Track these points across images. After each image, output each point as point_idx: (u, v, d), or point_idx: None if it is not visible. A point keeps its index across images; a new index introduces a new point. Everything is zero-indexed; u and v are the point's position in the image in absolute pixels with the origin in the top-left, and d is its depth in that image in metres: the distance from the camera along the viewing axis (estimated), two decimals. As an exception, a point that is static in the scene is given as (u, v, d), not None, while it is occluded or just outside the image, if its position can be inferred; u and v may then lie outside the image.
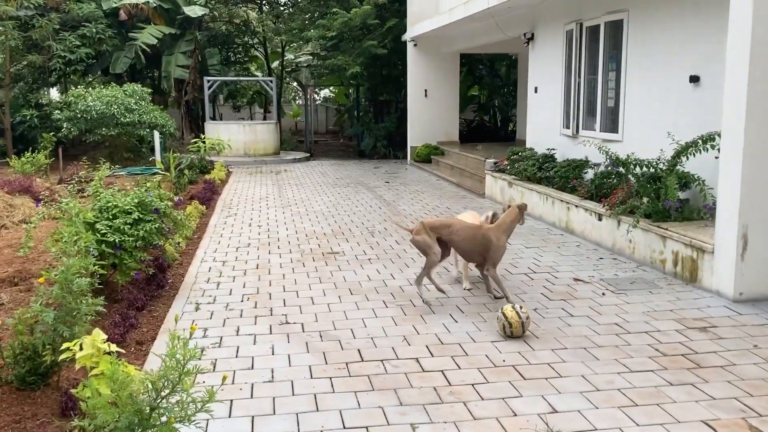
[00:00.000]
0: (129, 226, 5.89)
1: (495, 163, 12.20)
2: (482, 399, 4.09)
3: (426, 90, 18.73)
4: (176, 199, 7.75)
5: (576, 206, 8.85)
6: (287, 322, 5.53)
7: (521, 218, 6.19)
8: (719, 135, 6.33)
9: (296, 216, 10.56)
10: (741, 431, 3.68)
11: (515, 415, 3.88)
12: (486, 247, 5.92)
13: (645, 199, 7.43)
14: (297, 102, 35.67)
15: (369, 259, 7.66)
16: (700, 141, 7.10)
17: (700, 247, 6.35)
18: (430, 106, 18.84)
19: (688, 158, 7.27)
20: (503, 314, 5.09)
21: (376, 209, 11.17)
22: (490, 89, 23.33)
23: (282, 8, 25.46)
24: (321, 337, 5.20)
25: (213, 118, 22.16)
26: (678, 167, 7.39)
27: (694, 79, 7.74)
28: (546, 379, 4.37)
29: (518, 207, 6.18)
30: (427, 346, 4.97)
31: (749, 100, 5.67)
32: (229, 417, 3.89)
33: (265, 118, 28.48)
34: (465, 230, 6.02)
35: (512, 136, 20.92)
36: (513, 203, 6.33)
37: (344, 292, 6.37)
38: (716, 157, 6.41)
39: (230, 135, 19.08)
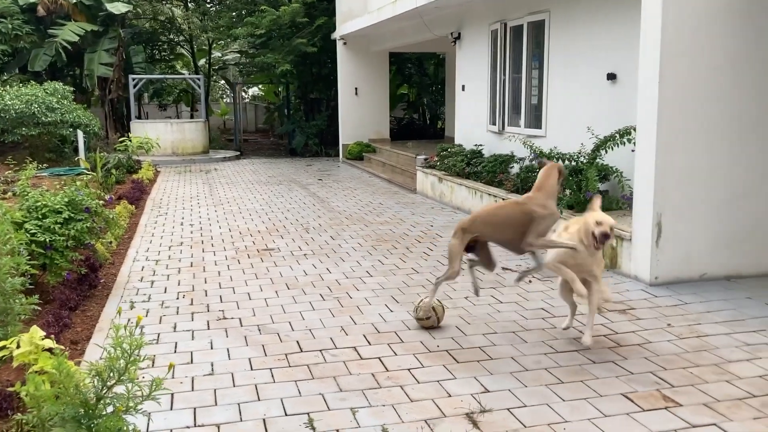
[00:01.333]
0: (59, 226, 5.79)
1: (425, 160, 12.47)
2: (418, 382, 4.26)
3: (356, 88, 18.88)
4: (107, 197, 7.63)
5: (503, 199, 9.18)
6: (225, 318, 5.57)
7: (561, 180, 4.95)
8: (635, 129, 6.72)
9: (229, 214, 10.51)
10: (655, 401, 3.98)
11: (450, 396, 4.07)
12: (530, 222, 4.72)
13: (568, 192, 7.79)
14: (225, 100, 35.20)
15: (305, 255, 7.75)
16: (617, 135, 7.51)
17: (619, 235, 6.73)
18: (360, 104, 19.00)
19: (606, 151, 7.69)
20: (433, 308, 5.22)
21: (310, 206, 11.24)
22: (419, 87, 23.69)
23: (208, 5, 25.08)
24: (259, 330, 5.26)
25: (139, 117, 21.67)
26: (598, 160, 7.80)
27: (612, 77, 8.17)
28: (478, 361, 4.59)
29: (557, 167, 4.90)
30: (364, 335, 5.12)
31: (661, 96, 6.06)
32: (171, 410, 3.93)
33: (192, 117, 28.01)
34: (500, 210, 4.98)
35: (441, 133, 21.32)
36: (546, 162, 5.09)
37: (281, 287, 6.44)
38: (632, 150, 6.80)
39: (158, 134, 18.70)
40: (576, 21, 8.88)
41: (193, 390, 4.20)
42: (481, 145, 11.42)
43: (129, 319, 5.43)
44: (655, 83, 6.06)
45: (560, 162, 4.70)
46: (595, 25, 8.50)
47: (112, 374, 2.66)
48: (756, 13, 6.12)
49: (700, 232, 6.31)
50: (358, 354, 4.75)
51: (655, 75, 6.05)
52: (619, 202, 7.65)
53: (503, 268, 7.04)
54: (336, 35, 18.62)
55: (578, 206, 7.55)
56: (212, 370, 4.50)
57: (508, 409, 3.88)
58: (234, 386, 4.25)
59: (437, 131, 22.38)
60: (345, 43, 18.57)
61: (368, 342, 4.98)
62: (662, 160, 6.16)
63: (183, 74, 26.63)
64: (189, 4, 25.17)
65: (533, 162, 8.81)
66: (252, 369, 4.52)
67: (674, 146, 6.16)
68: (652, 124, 6.14)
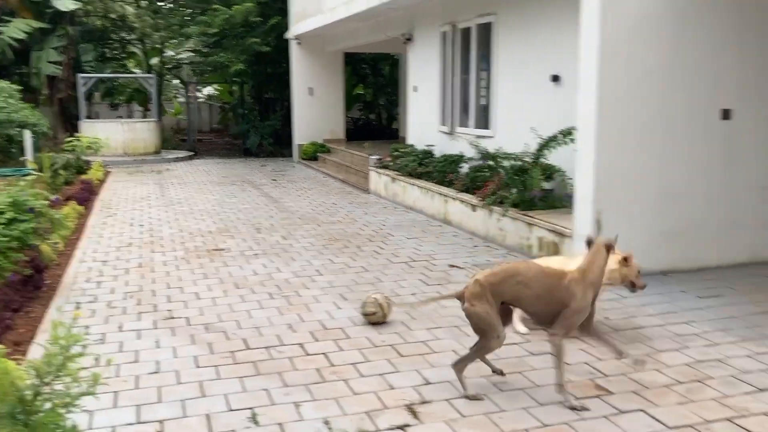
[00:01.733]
0: (2, 226, 5.71)
1: (379, 160, 12.59)
2: (362, 376, 4.36)
3: (311, 88, 18.91)
4: (53, 198, 7.53)
5: (453, 198, 9.35)
6: (172, 317, 5.58)
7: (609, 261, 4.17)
8: (577, 129, 6.94)
9: (180, 215, 10.45)
10: (588, 390, 4.16)
11: (392, 388, 4.18)
12: (565, 303, 4.00)
13: (514, 190, 8.00)
14: (179, 100, 34.73)
15: (255, 255, 7.78)
16: (560, 135, 7.75)
17: (561, 232, 6.95)
18: (315, 105, 19.03)
19: (550, 151, 7.91)
20: (379, 304, 5.32)
21: (262, 206, 11.25)
22: (375, 88, 23.81)
23: (161, 3, 24.75)
24: (206, 329, 5.29)
25: (89, 117, 21.26)
26: (542, 160, 8.02)
27: (555, 79, 8.41)
28: (421, 355, 4.71)
29: (605, 245, 4.10)
30: (311, 333, 5.19)
31: (599, 97, 6.28)
32: (114, 407, 3.95)
33: (145, 117, 27.55)
34: (540, 279, 4.06)
35: (396, 133, 21.49)
36: (599, 221, 4.34)
37: (230, 287, 6.47)
38: (574, 150, 7.03)
39: (108, 134, 18.41)
40: (522, 24, 9.11)
41: (137, 388, 4.22)
42: (432, 145, 11.60)
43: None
44: (593, 85, 6.28)
45: (609, 238, 4.01)
46: (540, 28, 8.73)
47: (49, 370, 2.68)
48: (687, 20, 6.39)
49: (637, 228, 6.55)
50: (304, 350, 4.83)
51: (594, 77, 6.27)
52: (562, 200, 7.88)
53: (450, 265, 7.19)
54: (290, 35, 18.62)
55: (523, 204, 7.75)
56: (157, 368, 4.52)
57: (447, 400, 4.01)
58: (179, 384, 4.28)
59: (393, 132, 22.54)
60: (299, 43, 18.58)
61: (315, 339, 5.06)
62: (601, 160, 6.39)
63: (135, 73, 26.20)
64: (141, 2, 24.79)
65: (481, 162, 9.01)
66: (198, 367, 4.55)
67: (612, 146, 6.39)
68: (592, 124, 6.36)
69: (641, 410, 3.88)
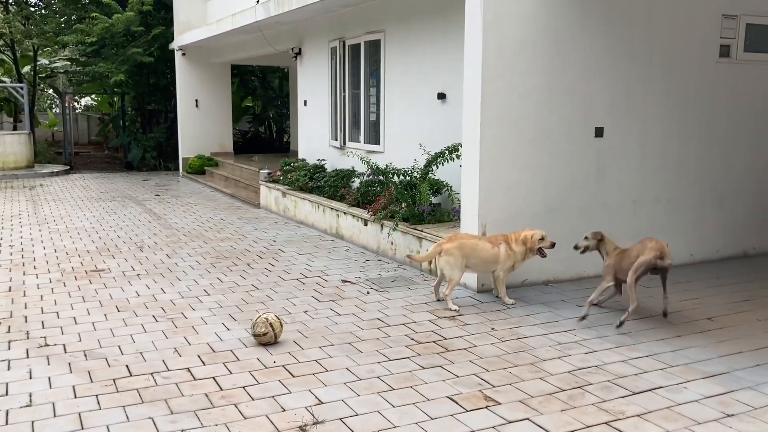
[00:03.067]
0: None
1: (269, 174, 12.42)
2: (253, 399, 4.25)
3: (197, 100, 18.42)
4: None
5: (345, 213, 9.37)
6: (47, 344, 5.22)
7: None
8: (462, 146, 7.14)
9: (55, 233, 9.84)
10: (477, 401, 4.26)
11: (284, 410, 4.10)
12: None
13: (403, 205, 8.12)
14: (54, 110, 32.82)
15: (137, 275, 7.44)
16: (446, 151, 7.95)
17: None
18: (202, 117, 18.55)
19: (438, 167, 8.10)
20: (270, 324, 5.22)
21: (145, 223, 10.80)
22: (264, 100, 23.52)
23: (33, 9, 23.32)
24: (85, 356, 4.99)
25: (-49, 128, 19.67)
26: (430, 175, 8.20)
27: (442, 96, 8.63)
28: (313, 374, 4.66)
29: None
30: (199, 356, 5.01)
31: (483, 115, 6.50)
32: (-20, 448, 3.64)
33: (15, 128, 25.81)
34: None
35: (287, 146, 21.31)
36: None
37: (110, 310, 6.14)
38: (461, 166, 7.22)
39: (-27, 146, 17.10)
40: (409, 42, 9.30)
41: (7, 424, 3.90)
42: (324, 159, 11.58)
43: (-68, 352, 4.94)
44: (477, 105, 6.50)
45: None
46: (426, 46, 8.94)
47: None
48: (561, 44, 6.75)
49: (520, 241, 6.81)
50: (192, 375, 4.65)
51: (477, 97, 6.49)
52: (450, 215, 8.08)
53: (342, 280, 7.18)
54: (174, 45, 18.07)
55: (413, 219, 7.88)
56: (30, 401, 4.21)
57: (340, 419, 3.98)
58: (55, 416, 4.00)
59: (284, 145, 22.33)
60: (184, 54, 18.07)
61: (203, 362, 4.89)
62: (485, 175, 6.61)
63: (3, 82, 24.53)
64: (10, 7, 23.26)
65: (371, 177, 9.08)
66: (76, 397, 4.28)
67: (496, 162, 6.63)
68: (476, 141, 6.57)
69: (527, 419, 4.02)
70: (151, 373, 4.66)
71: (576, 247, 6.16)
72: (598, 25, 6.92)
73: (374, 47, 10.19)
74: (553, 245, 6.25)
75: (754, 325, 5.77)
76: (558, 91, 6.81)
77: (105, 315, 5.99)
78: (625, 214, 7.31)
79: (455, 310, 6.07)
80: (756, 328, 5.67)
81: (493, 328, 5.65)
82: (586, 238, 6.11)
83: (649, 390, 4.42)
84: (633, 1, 7.09)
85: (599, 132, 7.09)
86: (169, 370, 4.73)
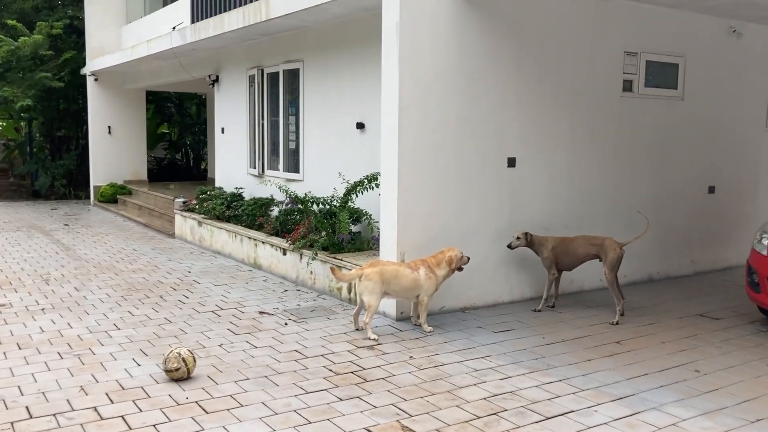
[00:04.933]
0: None
1: (184, 202, 12.13)
2: (164, 438, 4.10)
3: (110, 126, 17.86)
4: None
5: (263, 242, 9.24)
6: (-63, 387, 4.87)
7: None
8: (381, 175, 7.20)
9: (-48, 266, 9.25)
10: (395, 431, 4.25)
11: (197, 449, 3.96)
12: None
13: (323, 233, 8.09)
14: (-46, 136, 31.00)
15: (42, 309, 7.07)
16: (366, 180, 8.00)
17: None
18: (115, 144, 17.99)
19: (357, 195, 8.14)
20: (183, 359, 5.05)
21: (52, 254, 10.31)
22: (180, 127, 23.05)
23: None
24: (-19, 398, 4.68)
25: None
26: (350, 203, 8.22)
27: (361, 126, 8.70)
28: (228, 410, 4.53)
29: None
30: (107, 394, 4.79)
31: (400, 146, 6.60)
32: None
33: None
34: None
35: (205, 174, 20.91)
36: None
37: (10, 348, 5.80)
38: (380, 194, 7.28)
39: None
40: (328, 71, 9.36)
41: None
42: (241, 188, 11.42)
43: None
44: (394, 135, 6.59)
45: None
46: (344, 77, 9.02)
47: None
48: (474, 78, 6.96)
49: (438, 269, 6.90)
50: (99, 414, 4.44)
51: (394, 128, 6.58)
52: (369, 243, 8.10)
53: (260, 312, 7.06)
54: (86, 71, 17.51)
55: (332, 248, 7.86)
56: None
57: (255, 456, 3.88)
58: (-57, 467, 3.73)
59: (201, 172, 21.88)
60: (96, 79, 17.53)
61: (111, 400, 4.68)
62: (403, 204, 6.68)
63: None
64: None
65: (290, 206, 9.02)
66: (-32, 444, 4.00)
67: (412, 191, 6.72)
68: (394, 171, 6.65)
69: (444, 448, 4.04)
70: (54, 414, 4.42)
71: (509, 246, 7.06)
72: (510, 59, 7.18)
73: (293, 76, 10.20)
74: (468, 259, 6.58)
75: (659, 347, 6.03)
76: (472, 123, 7.00)
77: (4, 353, 5.64)
78: (538, 242, 7.53)
79: (374, 339, 6.07)
80: (660, 351, 5.93)
81: (411, 357, 5.67)
82: (517, 238, 7.03)
83: (562, 414, 4.54)
84: (543, 36, 7.40)
85: (512, 162, 7.32)
86: (74, 410, 4.49)
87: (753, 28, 9.20)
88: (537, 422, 4.41)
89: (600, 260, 6.97)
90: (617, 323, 6.68)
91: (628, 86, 8.17)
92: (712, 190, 9.20)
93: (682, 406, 4.71)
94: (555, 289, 7.27)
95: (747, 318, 7.03)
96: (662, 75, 8.48)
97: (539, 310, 7.10)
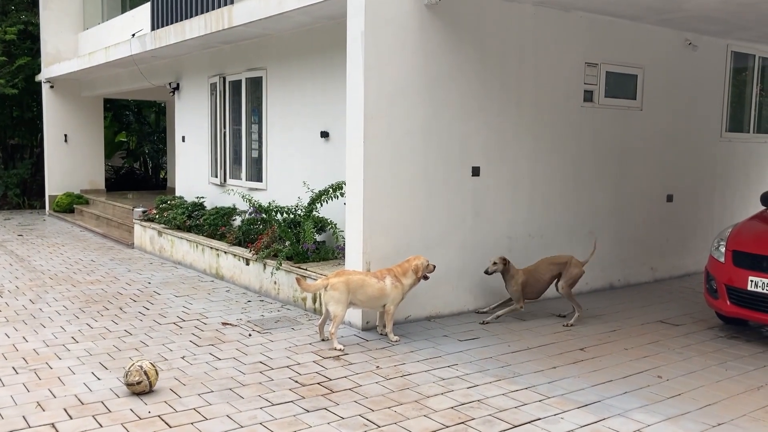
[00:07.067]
0: None
1: (144, 212, 11.90)
2: (125, 455, 3.98)
3: (66, 135, 17.46)
4: None
5: (225, 252, 9.11)
6: None
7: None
8: (346, 184, 7.17)
9: None
10: (363, 443, 4.21)
11: (160, 465, 3.86)
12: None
13: (287, 243, 8.01)
14: None
15: (-4, 322, 6.84)
16: (331, 189, 7.97)
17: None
18: (71, 152, 17.58)
19: (322, 204, 8.09)
20: (144, 372, 4.93)
21: (6, 266, 10.00)
22: (139, 136, 22.66)
23: None
24: (-70, 417, 4.49)
25: None
26: (314, 213, 8.16)
27: (325, 135, 8.66)
28: (192, 423, 4.43)
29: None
30: (65, 409, 4.64)
31: (365, 155, 6.57)
32: None
33: None
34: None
35: (164, 183, 20.57)
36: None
37: (-37, 363, 5.59)
38: (344, 204, 7.24)
39: None
40: (291, 80, 9.30)
41: None
42: (203, 197, 11.26)
43: None
44: (359, 145, 6.57)
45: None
46: (309, 85, 8.98)
47: None
48: (438, 89, 6.99)
49: (403, 278, 6.89)
50: (57, 431, 4.29)
51: (360, 136, 6.56)
52: (334, 252, 8.05)
53: (222, 323, 6.94)
54: (42, 77, 17.10)
55: (297, 257, 7.78)
56: None
57: (221, 471, 3.80)
58: None
59: (160, 181, 21.53)
60: (52, 87, 17.12)
61: (69, 416, 4.53)
62: (369, 214, 6.66)
63: None
64: None
65: (253, 215, 8.92)
66: None
67: (378, 201, 6.70)
68: (359, 180, 6.63)
69: (413, 458, 4.01)
70: (9, 432, 4.27)
71: (486, 272, 7.01)
72: (473, 69, 7.23)
73: (256, 84, 10.11)
74: (434, 268, 6.59)
75: (622, 354, 6.11)
76: (437, 133, 7.02)
77: (-45, 369, 5.44)
78: (502, 250, 7.58)
79: (340, 350, 6.02)
80: (623, 357, 6.01)
81: (378, 367, 5.64)
82: (494, 263, 6.97)
83: (529, 422, 4.55)
84: (505, 46, 7.48)
85: (476, 171, 7.36)
86: (30, 427, 4.34)
87: (707, 40, 9.47)
88: (505, 430, 4.42)
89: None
90: (572, 325, 6.91)
91: (588, 96, 8.31)
92: (670, 198, 9.40)
93: (646, 411, 4.77)
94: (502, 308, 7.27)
95: (705, 324, 7.18)
96: (621, 86, 8.66)
97: (488, 322, 7.04)
